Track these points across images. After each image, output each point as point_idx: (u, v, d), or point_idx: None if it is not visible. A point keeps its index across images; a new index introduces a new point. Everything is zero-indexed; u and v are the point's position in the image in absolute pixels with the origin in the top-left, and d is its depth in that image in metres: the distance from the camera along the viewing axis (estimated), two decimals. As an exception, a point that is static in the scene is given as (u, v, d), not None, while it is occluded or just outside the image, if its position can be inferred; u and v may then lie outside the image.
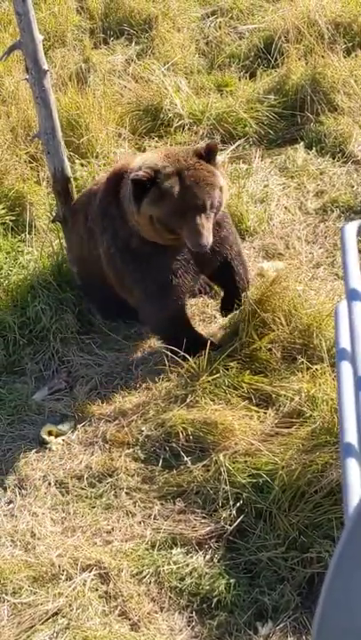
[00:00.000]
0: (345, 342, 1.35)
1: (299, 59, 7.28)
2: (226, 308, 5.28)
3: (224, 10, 8.20)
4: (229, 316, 5.20)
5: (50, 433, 4.76)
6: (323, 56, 7.19)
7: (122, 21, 8.05)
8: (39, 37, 5.25)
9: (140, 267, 4.97)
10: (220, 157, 6.52)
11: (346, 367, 1.30)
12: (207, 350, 4.80)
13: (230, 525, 4.19)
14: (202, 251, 4.68)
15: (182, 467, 4.47)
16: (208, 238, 4.64)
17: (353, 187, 6.28)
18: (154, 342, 5.26)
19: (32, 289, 5.49)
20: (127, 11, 8.08)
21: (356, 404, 1.15)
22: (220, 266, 5.17)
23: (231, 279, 5.24)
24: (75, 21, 8.08)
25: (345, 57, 7.30)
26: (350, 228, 1.38)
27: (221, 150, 6.66)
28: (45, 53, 5.59)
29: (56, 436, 4.75)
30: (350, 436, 1.22)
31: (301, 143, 6.73)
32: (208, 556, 4.10)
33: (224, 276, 5.26)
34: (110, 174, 5.20)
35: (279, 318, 4.96)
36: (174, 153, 4.82)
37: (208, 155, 4.78)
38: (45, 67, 5.28)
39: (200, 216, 4.64)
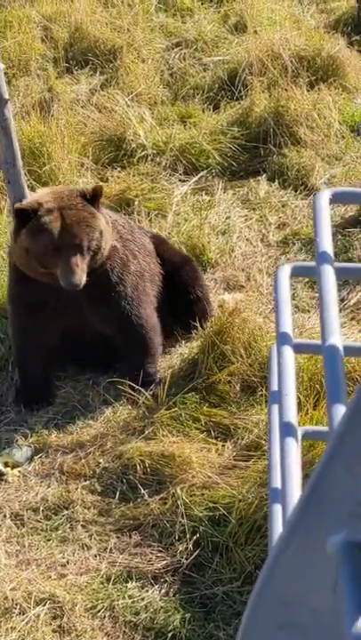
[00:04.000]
0: (276, 385, 1.37)
1: (262, 91, 7.33)
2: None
3: (189, 41, 8.24)
4: (189, 347, 5.22)
5: (6, 464, 4.72)
6: (286, 89, 7.25)
7: (86, 51, 8.07)
8: (1, 66, 5.28)
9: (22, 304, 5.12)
10: (182, 189, 6.57)
11: (276, 410, 1.33)
12: (164, 385, 4.85)
13: (186, 559, 4.20)
14: (73, 289, 4.67)
15: (139, 499, 4.47)
16: (81, 277, 4.64)
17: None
18: (112, 373, 5.25)
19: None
20: (92, 41, 8.10)
21: (281, 448, 1.17)
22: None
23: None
24: (39, 50, 8.08)
25: (308, 90, 7.35)
26: (284, 270, 1.40)
27: (184, 181, 6.70)
28: (9, 82, 5.64)
29: (12, 467, 4.71)
30: (277, 482, 1.25)
31: (264, 175, 6.76)
32: (163, 590, 4.10)
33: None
34: None
35: (239, 350, 4.98)
36: (60, 191, 4.89)
37: (93, 197, 4.81)
38: (6, 96, 5.30)
39: (75, 255, 4.66)
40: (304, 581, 0.79)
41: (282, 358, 1.23)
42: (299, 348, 1.43)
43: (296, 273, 1.48)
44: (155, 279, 5.26)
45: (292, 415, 1.19)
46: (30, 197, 5.02)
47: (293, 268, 1.42)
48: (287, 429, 1.17)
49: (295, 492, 1.05)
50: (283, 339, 1.25)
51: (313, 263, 1.33)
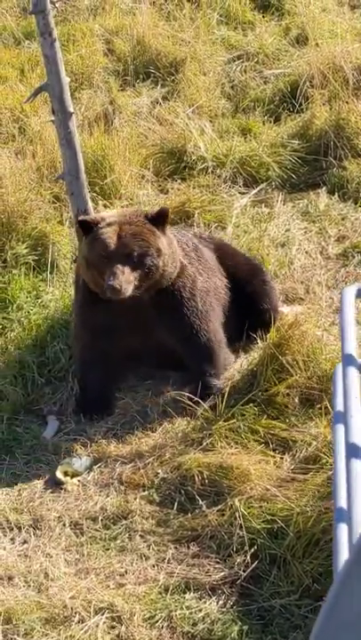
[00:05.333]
0: (341, 405, 1.37)
1: (323, 104, 7.32)
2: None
3: (250, 54, 8.25)
4: (249, 359, 5.22)
5: (65, 473, 4.74)
6: (347, 102, 7.23)
7: (148, 64, 8.10)
8: (66, 80, 5.33)
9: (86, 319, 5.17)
10: (242, 201, 6.57)
11: (341, 431, 1.33)
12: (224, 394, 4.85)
13: (244, 571, 4.18)
14: (113, 295, 4.69)
15: (197, 510, 4.46)
16: (124, 285, 4.65)
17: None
18: (169, 385, 5.27)
19: (52, 328, 5.51)
20: (154, 54, 8.13)
21: (347, 469, 1.17)
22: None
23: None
24: (102, 63, 8.13)
25: (371, 102, 7.35)
26: (349, 292, 1.41)
27: (244, 194, 6.71)
28: (72, 94, 5.67)
29: (72, 477, 4.73)
30: (342, 502, 1.25)
31: (324, 188, 6.76)
32: (221, 602, 4.08)
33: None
34: None
35: (298, 363, 4.96)
36: (126, 211, 4.97)
37: (157, 218, 4.86)
38: (71, 109, 5.35)
39: (124, 265, 4.69)
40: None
41: (347, 380, 1.23)
42: (364, 369, 1.43)
43: (361, 293, 1.48)
44: (219, 294, 5.28)
45: (357, 435, 1.19)
46: (100, 213, 5.09)
47: (359, 290, 1.42)
48: (354, 451, 1.17)
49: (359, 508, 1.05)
50: (348, 360, 1.25)
51: (378, 284, 1.34)
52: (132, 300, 4.81)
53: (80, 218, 4.97)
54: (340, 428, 1.38)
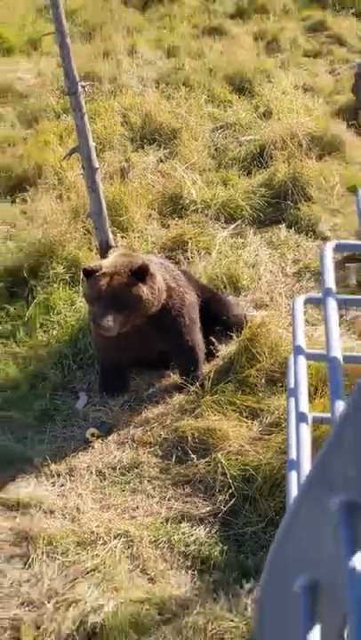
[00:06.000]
0: (293, 384, 1.38)
1: (283, 162, 7.32)
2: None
3: (229, 125, 8.26)
4: (228, 350, 5.22)
5: (92, 434, 4.75)
6: (301, 160, 7.24)
7: (154, 132, 8.11)
8: (92, 144, 5.34)
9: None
10: (222, 234, 6.58)
11: (293, 403, 1.34)
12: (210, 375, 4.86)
13: (224, 507, 4.19)
14: (101, 331, 4.57)
15: (190, 462, 4.48)
16: (110, 324, 4.50)
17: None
18: (170, 370, 5.26)
19: (82, 328, 5.52)
20: (158, 124, 8.13)
21: (297, 431, 1.18)
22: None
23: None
24: (120, 131, 8.13)
25: (317, 161, 7.34)
26: (299, 301, 1.42)
27: (225, 228, 6.71)
28: (97, 155, 5.67)
29: (97, 437, 4.75)
30: (293, 455, 1.25)
31: (283, 224, 6.75)
32: (207, 529, 4.10)
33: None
34: None
35: (264, 353, 4.97)
36: (119, 262, 4.71)
37: (139, 272, 4.63)
38: (96, 165, 5.37)
39: (111, 306, 4.53)
40: (314, 530, 0.80)
41: (297, 365, 1.24)
42: (310, 357, 1.44)
43: (308, 302, 1.48)
44: (196, 307, 5.19)
45: (304, 407, 1.20)
46: (101, 261, 4.89)
47: (306, 299, 1.43)
48: (301, 417, 1.18)
49: (307, 464, 1.06)
50: (298, 350, 1.26)
51: (320, 295, 1.34)
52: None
53: (83, 266, 4.80)
54: (292, 401, 1.38)
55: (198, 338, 5.11)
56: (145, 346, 4.98)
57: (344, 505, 0.77)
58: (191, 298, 5.13)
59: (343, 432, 0.76)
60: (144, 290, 4.65)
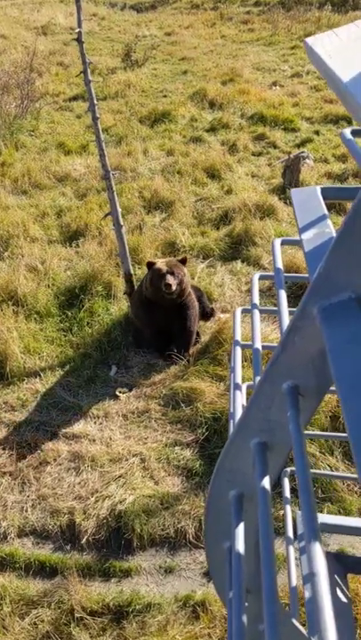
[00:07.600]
0: (232, 362, 1.36)
1: (240, 221, 7.29)
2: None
3: (206, 198, 8.19)
4: (205, 337, 5.18)
5: (120, 392, 4.75)
6: (250, 219, 7.22)
7: (159, 202, 8.06)
8: (119, 210, 5.31)
9: (143, 311, 4.98)
10: (201, 265, 6.55)
11: (232, 376, 1.32)
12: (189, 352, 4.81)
13: (202, 436, 4.19)
14: (167, 290, 4.56)
15: (180, 409, 4.46)
16: (171, 285, 4.55)
17: (264, 281, 6.21)
18: (168, 349, 5.21)
19: (114, 325, 5.49)
20: (161, 197, 8.07)
21: (234, 395, 1.16)
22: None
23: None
24: (137, 202, 8.09)
25: (260, 221, 7.29)
26: (237, 311, 1.40)
27: (203, 262, 6.68)
28: (123, 217, 5.64)
29: (122, 394, 4.74)
30: (232, 409, 1.24)
31: (240, 260, 6.72)
32: (191, 451, 4.09)
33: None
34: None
35: (227, 340, 4.96)
36: (171, 260, 4.85)
37: (182, 261, 4.83)
38: (122, 224, 5.33)
39: (172, 276, 4.60)
40: (242, 458, 0.79)
41: (235, 352, 1.24)
42: (243, 347, 1.44)
43: (245, 312, 1.47)
44: (197, 306, 5.15)
45: (238, 379, 1.19)
46: (156, 259, 4.96)
47: (242, 309, 1.42)
48: (237, 386, 1.17)
49: (238, 414, 1.05)
50: (236, 342, 1.26)
51: (264, 308, 1.33)
52: (166, 303, 4.71)
53: (148, 261, 4.84)
54: (232, 375, 1.37)
55: (195, 328, 5.07)
56: (168, 322, 4.93)
57: (259, 444, 0.76)
58: (196, 301, 5.09)
59: (261, 390, 0.75)
60: (185, 271, 4.77)
